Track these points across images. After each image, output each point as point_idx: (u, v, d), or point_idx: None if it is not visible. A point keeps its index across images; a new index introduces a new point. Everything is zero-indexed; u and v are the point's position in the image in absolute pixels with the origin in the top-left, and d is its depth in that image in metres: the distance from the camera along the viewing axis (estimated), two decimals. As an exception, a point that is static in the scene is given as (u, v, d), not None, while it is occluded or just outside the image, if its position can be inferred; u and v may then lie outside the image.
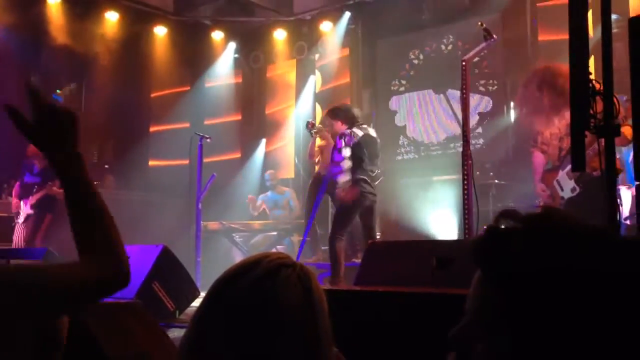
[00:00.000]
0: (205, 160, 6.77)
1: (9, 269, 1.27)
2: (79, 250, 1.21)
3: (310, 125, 7.33)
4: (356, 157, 5.45)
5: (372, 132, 5.73)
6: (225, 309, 1.05)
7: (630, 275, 0.74)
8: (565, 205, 4.24)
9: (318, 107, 9.70)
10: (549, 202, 4.32)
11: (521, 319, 0.75)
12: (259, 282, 1.06)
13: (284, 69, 10.26)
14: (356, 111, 5.87)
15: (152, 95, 10.18)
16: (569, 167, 4.17)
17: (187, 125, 9.93)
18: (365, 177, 5.47)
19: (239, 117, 10.55)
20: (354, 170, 5.44)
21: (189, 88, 10.28)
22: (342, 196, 5.46)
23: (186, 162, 8.55)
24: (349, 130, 5.53)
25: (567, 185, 4.28)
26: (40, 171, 6.85)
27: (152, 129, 10.06)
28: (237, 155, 10.33)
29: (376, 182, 5.73)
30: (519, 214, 0.80)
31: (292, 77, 10.14)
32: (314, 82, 9.80)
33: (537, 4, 8.01)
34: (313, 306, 1.07)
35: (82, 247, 1.21)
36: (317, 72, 9.80)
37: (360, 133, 5.52)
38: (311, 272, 1.11)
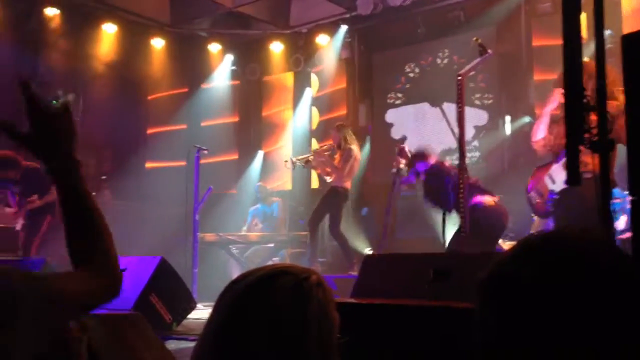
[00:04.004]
0: (202, 162, 6.77)
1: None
2: (73, 260, 1.15)
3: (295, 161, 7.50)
4: None
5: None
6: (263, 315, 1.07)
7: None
8: (559, 196, 4.20)
9: (315, 113, 9.75)
10: (539, 202, 4.32)
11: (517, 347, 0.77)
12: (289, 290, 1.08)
13: (280, 82, 10.31)
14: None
15: (150, 98, 10.20)
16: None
17: (184, 126, 10.02)
18: None
19: (236, 119, 10.57)
20: None
21: (186, 91, 10.32)
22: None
23: (183, 163, 8.48)
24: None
25: (561, 177, 4.17)
26: (19, 180, 6.27)
27: (150, 131, 10.07)
28: (235, 157, 10.33)
29: None
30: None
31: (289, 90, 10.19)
32: (311, 95, 9.84)
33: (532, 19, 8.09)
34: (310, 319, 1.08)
35: (78, 258, 1.15)
36: (312, 84, 9.83)
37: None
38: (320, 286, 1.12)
